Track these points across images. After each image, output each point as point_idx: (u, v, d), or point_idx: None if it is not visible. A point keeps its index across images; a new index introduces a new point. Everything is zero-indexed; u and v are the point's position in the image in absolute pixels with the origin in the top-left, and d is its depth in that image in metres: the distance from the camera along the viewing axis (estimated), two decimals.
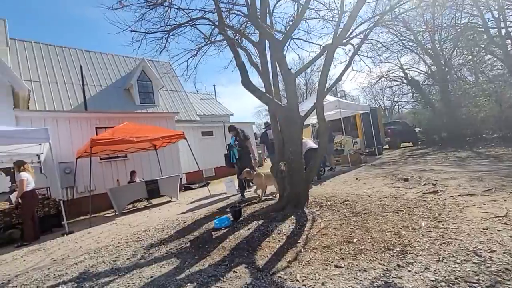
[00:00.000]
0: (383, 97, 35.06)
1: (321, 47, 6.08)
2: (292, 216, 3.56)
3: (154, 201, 7.91)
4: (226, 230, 3.46)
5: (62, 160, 7.51)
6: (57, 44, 13.02)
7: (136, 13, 5.41)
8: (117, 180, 8.28)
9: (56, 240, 4.88)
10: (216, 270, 2.50)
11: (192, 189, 10.40)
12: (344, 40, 3.71)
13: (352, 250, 2.53)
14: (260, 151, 16.70)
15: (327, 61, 3.75)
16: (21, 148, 6.15)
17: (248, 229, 3.33)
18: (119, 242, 3.95)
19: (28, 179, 5.28)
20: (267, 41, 4.61)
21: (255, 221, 3.54)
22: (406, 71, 16.96)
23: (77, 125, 8.31)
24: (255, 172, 5.19)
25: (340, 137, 11.14)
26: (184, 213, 5.40)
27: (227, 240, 3.14)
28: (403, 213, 3.42)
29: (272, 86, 4.60)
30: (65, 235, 5.18)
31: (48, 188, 6.61)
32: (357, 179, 6.46)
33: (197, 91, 24.02)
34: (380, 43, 5.77)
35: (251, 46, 6.65)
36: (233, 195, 6.45)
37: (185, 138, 7.77)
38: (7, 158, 6.49)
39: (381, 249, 2.49)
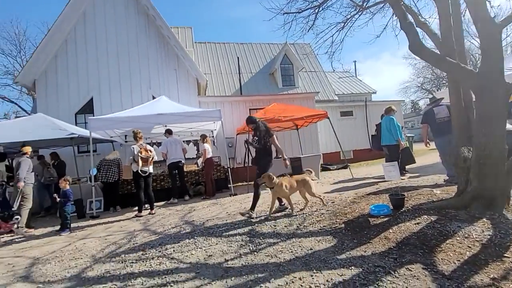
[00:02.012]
0: None
1: None
2: (484, 219, 2.69)
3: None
4: (385, 219, 3.09)
5: (227, 136, 9.27)
6: (221, 41, 15.90)
7: None
8: None
9: (226, 199, 6.15)
10: (382, 261, 2.26)
11: (329, 170, 10.27)
12: None
13: None
14: (410, 135, 14.13)
15: None
16: (203, 125, 8.05)
17: (417, 223, 2.80)
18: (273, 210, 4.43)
19: (209, 149, 6.87)
20: None
21: (425, 216, 2.94)
22: None
23: (236, 107, 9.95)
24: (277, 179, 4.00)
25: None
26: (328, 192, 5.37)
27: (390, 230, 2.78)
28: None
29: (455, 47, 3.53)
30: (231, 195, 6.43)
31: (219, 157, 8.41)
32: None
33: (334, 70, 22.99)
34: None
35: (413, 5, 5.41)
36: (383, 181, 5.75)
37: (328, 118, 7.61)
38: (194, 133, 8.73)
39: None
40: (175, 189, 6.59)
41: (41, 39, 9.43)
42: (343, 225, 3.18)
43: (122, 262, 2.91)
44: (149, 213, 5.37)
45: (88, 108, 8.82)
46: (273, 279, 2.19)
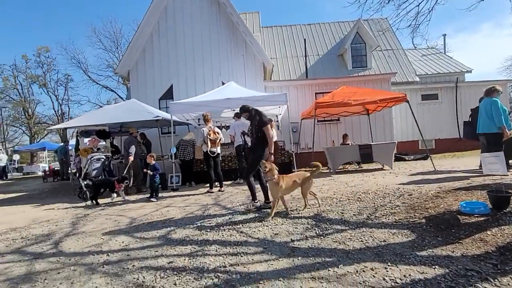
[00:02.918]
0: None
1: None
2: None
3: (364, 166, 7.85)
4: (481, 218, 2.63)
5: (291, 121, 9.20)
6: (287, 24, 15.51)
7: None
8: (333, 141, 9.00)
9: None
10: (476, 265, 1.95)
11: (405, 160, 9.21)
12: None
13: None
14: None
15: None
16: (268, 109, 8.15)
17: None
18: (340, 197, 4.26)
19: (273, 133, 6.96)
20: None
21: None
22: None
23: (301, 91, 9.73)
24: (276, 175, 3.58)
25: None
26: (404, 184, 4.84)
27: (488, 232, 2.35)
28: None
29: None
30: None
31: (283, 142, 8.47)
32: None
33: (415, 47, 19.91)
34: None
35: None
36: (477, 176, 4.86)
37: (407, 101, 6.74)
38: None
39: None
40: (241, 170, 6.96)
41: (132, 35, 10.92)
42: (423, 220, 2.84)
43: (198, 230, 3.28)
44: (219, 190, 5.83)
45: (168, 95, 9.95)
46: (341, 265, 2.13)
